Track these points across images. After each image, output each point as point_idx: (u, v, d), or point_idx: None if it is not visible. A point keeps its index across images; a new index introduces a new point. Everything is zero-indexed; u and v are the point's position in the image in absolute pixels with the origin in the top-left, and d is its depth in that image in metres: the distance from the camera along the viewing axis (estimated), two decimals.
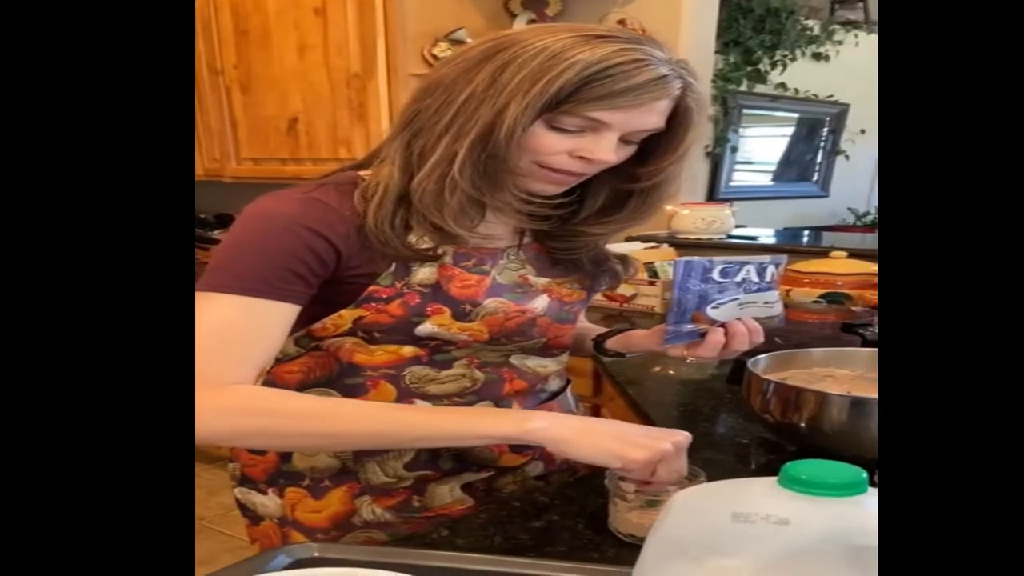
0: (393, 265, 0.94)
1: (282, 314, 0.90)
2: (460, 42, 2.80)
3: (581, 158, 0.90)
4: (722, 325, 1.00)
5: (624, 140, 0.91)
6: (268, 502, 1.05)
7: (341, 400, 0.98)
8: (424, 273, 0.95)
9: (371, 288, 0.94)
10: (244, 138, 3.16)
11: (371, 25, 2.72)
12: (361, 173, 0.98)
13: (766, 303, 1.02)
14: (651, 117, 0.89)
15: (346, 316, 0.96)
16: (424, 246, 0.95)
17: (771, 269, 0.99)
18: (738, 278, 0.97)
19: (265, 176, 3.09)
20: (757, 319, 1.03)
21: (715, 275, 0.96)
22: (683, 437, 0.89)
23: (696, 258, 0.96)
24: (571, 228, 1.03)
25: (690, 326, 0.99)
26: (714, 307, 0.97)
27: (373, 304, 0.95)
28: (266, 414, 0.88)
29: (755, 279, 0.98)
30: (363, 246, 0.93)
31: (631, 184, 0.99)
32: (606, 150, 0.89)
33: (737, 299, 0.98)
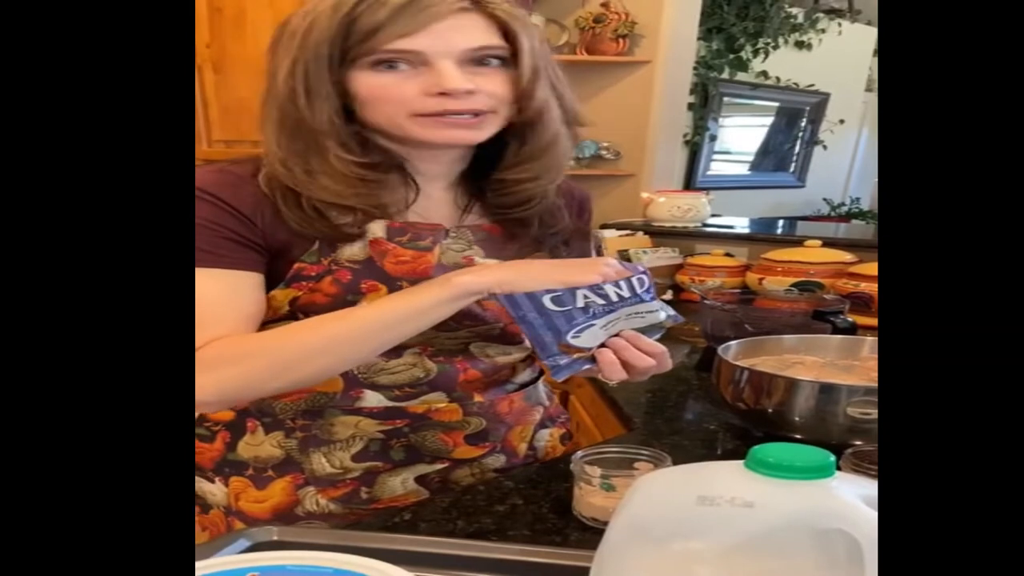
0: (317, 242, 0.91)
1: (222, 280, 0.88)
2: None
3: (442, 94, 0.86)
4: (604, 346, 0.89)
5: (473, 62, 0.87)
6: (216, 491, 1.02)
7: (300, 323, 0.92)
8: (353, 249, 0.92)
9: (297, 266, 0.91)
10: (216, 119, 3.10)
11: None
12: None
13: (634, 315, 0.89)
14: (460, 35, 0.86)
15: (280, 297, 0.92)
16: (344, 221, 0.91)
17: (611, 288, 0.86)
18: (579, 304, 0.85)
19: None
20: (641, 329, 0.92)
21: (548, 304, 0.85)
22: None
23: (517, 294, 0.85)
24: (497, 179, 0.98)
25: (565, 358, 0.88)
26: (575, 336, 0.86)
27: (303, 283, 0.91)
28: (237, 360, 0.87)
29: (600, 302, 0.86)
30: (280, 220, 0.90)
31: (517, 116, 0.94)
32: (450, 76, 0.85)
33: (593, 325, 0.87)
